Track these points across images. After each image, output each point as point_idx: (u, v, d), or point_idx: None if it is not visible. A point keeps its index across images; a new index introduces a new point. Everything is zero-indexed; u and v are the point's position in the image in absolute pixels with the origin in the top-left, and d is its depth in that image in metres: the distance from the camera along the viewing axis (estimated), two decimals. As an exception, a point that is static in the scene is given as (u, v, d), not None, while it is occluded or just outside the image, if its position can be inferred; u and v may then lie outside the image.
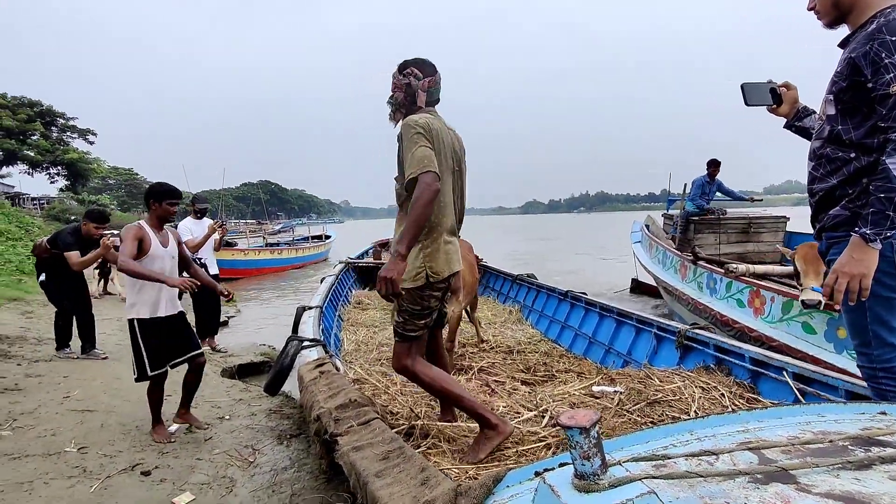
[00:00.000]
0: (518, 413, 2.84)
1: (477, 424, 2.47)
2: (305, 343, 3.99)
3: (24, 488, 2.99)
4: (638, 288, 11.45)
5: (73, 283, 5.62)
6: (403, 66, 2.49)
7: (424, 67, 2.43)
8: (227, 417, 4.26)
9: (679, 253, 7.59)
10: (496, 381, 3.82)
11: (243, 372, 5.94)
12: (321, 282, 8.47)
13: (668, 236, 9.35)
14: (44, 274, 5.67)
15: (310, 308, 5.87)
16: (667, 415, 2.87)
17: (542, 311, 7.34)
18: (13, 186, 35.18)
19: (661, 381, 3.40)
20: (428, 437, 2.40)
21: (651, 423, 2.71)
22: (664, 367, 3.84)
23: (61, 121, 34.29)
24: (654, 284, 9.96)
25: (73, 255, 5.17)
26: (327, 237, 25.21)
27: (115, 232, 5.72)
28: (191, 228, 6.32)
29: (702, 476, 1.11)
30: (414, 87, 2.40)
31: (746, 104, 2.22)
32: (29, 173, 33.53)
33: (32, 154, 32.21)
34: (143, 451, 3.58)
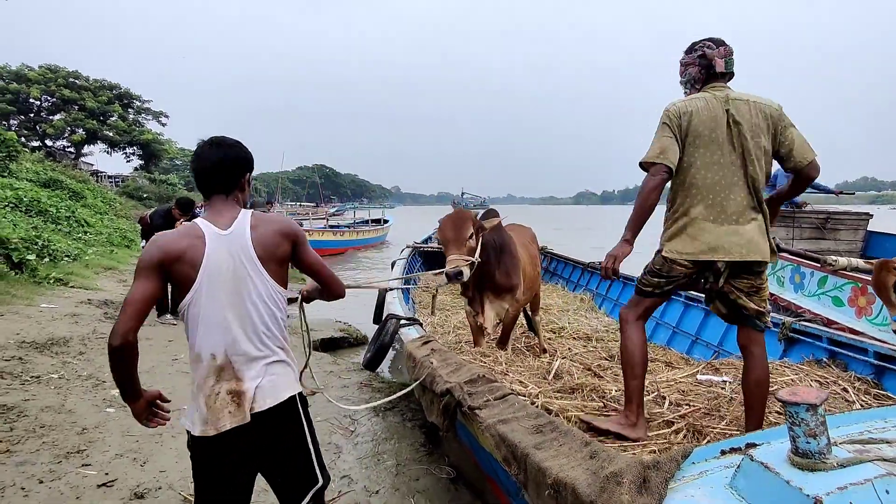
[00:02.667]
0: (630, 397, 2.84)
1: (601, 403, 2.48)
2: (403, 321, 4.08)
3: (155, 440, 3.23)
4: None
5: None
6: (691, 47, 2.46)
7: (715, 40, 2.42)
8: (322, 388, 4.43)
9: None
10: (598, 365, 3.80)
11: (326, 346, 6.16)
12: (392, 265, 8.65)
13: None
14: (144, 241, 6.31)
15: (390, 290, 6.02)
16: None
17: (618, 300, 7.23)
18: (93, 164, 37.42)
19: (771, 374, 3.30)
20: (550, 414, 2.43)
21: (778, 414, 2.64)
22: (770, 360, 3.72)
23: (137, 103, 35.98)
24: None
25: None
26: (385, 221, 25.59)
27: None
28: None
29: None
30: (709, 56, 2.36)
31: None
32: (108, 153, 35.57)
33: (111, 134, 34.02)
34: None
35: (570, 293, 8.35)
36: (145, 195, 28.61)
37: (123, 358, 1.48)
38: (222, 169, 1.70)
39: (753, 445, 1.36)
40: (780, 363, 3.54)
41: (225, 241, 1.61)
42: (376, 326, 5.25)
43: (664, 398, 2.80)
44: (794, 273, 5.96)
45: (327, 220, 23.34)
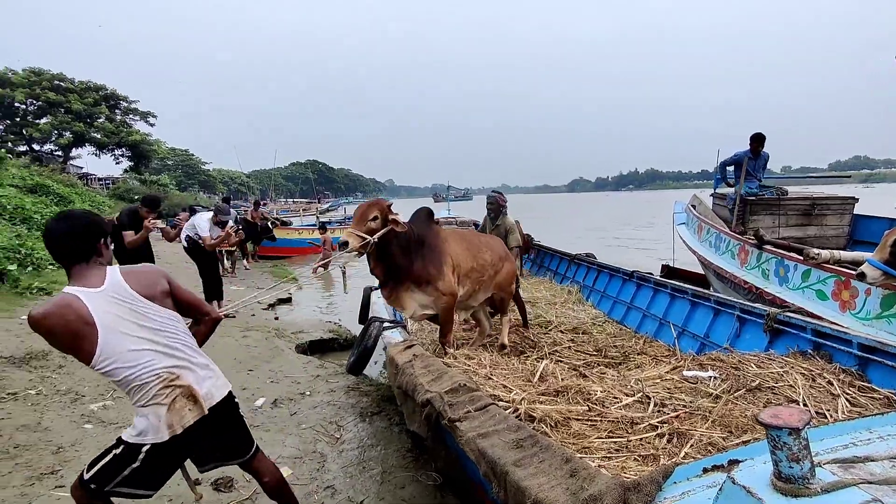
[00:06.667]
0: (617, 398, 2.78)
1: (586, 406, 2.46)
2: (386, 324, 4.02)
3: (133, 458, 3.15)
4: (671, 275, 9.89)
5: (136, 256, 6.23)
6: None
7: None
8: (308, 393, 4.37)
9: (738, 236, 7.10)
10: (585, 364, 3.76)
11: (314, 348, 6.09)
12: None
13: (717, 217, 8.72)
14: (113, 244, 6.22)
15: (376, 288, 5.95)
16: (774, 403, 2.75)
17: (605, 292, 7.19)
18: (82, 167, 37.00)
19: (757, 367, 3.26)
20: (534, 421, 2.38)
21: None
22: (755, 352, 3.69)
23: (124, 104, 35.55)
24: (691, 271, 9.38)
25: (128, 234, 5.95)
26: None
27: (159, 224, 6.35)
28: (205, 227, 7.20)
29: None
30: None
31: None
32: (96, 155, 35.04)
33: (99, 136, 33.61)
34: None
35: (557, 285, 8.31)
36: (137, 196, 28.30)
37: None
38: (73, 238, 1.83)
39: (736, 463, 1.30)
40: (766, 355, 3.51)
41: (102, 294, 1.79)
42: (362, 327, 5.20)
43: (649, 399, 2.75)
44: (779, 266, 5.88)
45: (318, 218, 23.17)
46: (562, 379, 3.10)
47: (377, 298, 5.41)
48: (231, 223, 7.68)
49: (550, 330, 5.58)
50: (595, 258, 8.29)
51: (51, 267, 8.32)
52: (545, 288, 8.05)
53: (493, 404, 2.14)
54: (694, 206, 9.75)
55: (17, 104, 31.64)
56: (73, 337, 1.73)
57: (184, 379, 1.91)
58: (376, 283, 6.22)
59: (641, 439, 2.24)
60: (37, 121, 32.54)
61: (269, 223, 15.44)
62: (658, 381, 3.18)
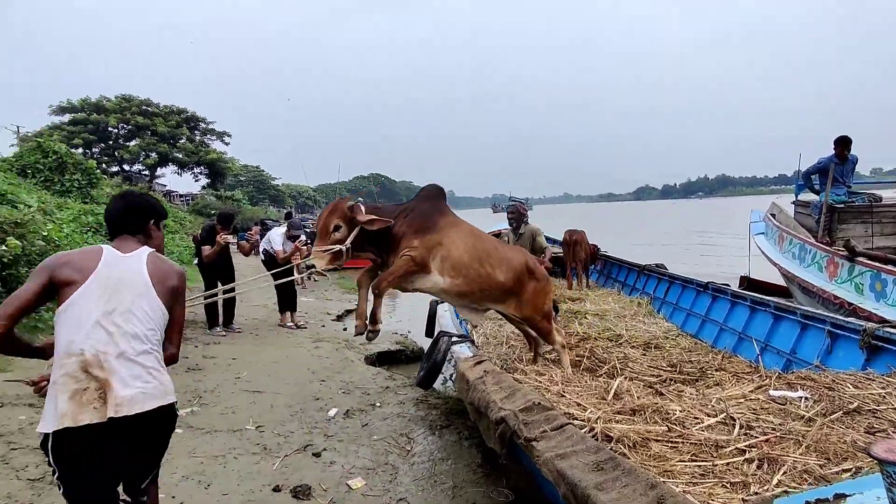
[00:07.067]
0: (697, 419, 2.66)
1: (665, 427, 2.36)
2: (455, 339, 4.05)
3: (218, 461, 3.32)
4: (752, 287, 8.94)
5: (222, 266, 6.78)
6: None
7: None
8: (379, 405, 4.45)
9: (825, 247, 6.59)
10: (660, 380, 3.63)
11: (382, 360, 6.21)
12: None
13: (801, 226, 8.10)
14: (196, 257, 7.01)
15: (442, 302, 6.00)
16: (876, 428, 2.54)
17: (677, 304, 6.91)
18: (165, 185, 40.05)
19: (854, 387, 3.03)
20: (611, 441, 2.31)
21: (868, 434, 2.41)
22: (850, 371, 3.43)
23: (203, 125, 38.25)
24: (773, 283, 8.78)
25: (205, 248, 6.51)
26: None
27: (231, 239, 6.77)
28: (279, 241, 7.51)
29: None
30: None
31: None
32: (178, 173, 38.04)
33: (181, 156, 36.28)
34: (310, 433, 3.83)
35: (625, 297, 8.07)
36: (213, 211, 30.13)
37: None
38: (127, 213, 1.96)
39: (843, 497, 1.22)
40: (864, 374, 3.25)
41: (121, 260, 1.82)
42: (429, 340, 5.25)
43: (734, 420, 2.61)
44: (875, 280, 5.41)
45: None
46: (637, 397, 3.01)
47: (443, 312, 5.46)
48: (302, 237, 8.01)
49: (621, 344, 5.43)
50: (666, 268, 8.00)
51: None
52: (613, 300, 7.85)
53: (570, 424, 2.10)
54: (773, 215, 9.20)
55: (110, 128, 34.56)
56: (76, 271, 1.72)
57: (106, 371, 1.64)
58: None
59: (728, 464, 2.12)
60: (127, 143, 35.40)
61: None
62: (742, 400, 3.02)
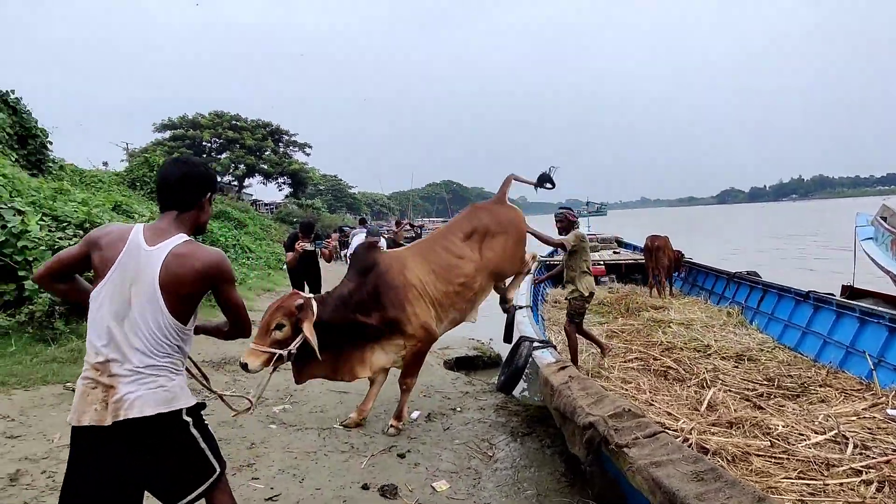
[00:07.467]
0: (803, 435, 2.50)
1: (767, 441, 2.24)
2: (536, 344, 4.03)
3: (311, 457, 3.49)
4: (856, 296, 8.39)
5: (303, 272, 7.13)
6: None
7: None
8: (459, 410, 4.50)
9: None
10: (756, 393, 3.43)
11: (460, 365, 6.27)
12: (519, 280, 8.61)
13: None
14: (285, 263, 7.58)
15: (521, 307, 5.97)
16: None
17: (773, 314, 6.51)
18: (252, 195, 42.94)
19: None
20: (707, 453, 2.22)
21: None
22: None
23: (286, 137, 40.98)
24: (883, 293, 7.97)
25: (289, 255, 6.97)
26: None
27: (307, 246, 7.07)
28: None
29: None
30: None
31: None
32: (263, 183, 41.17)
33: (266, 167, 39.04)
34: (394, 434, 3.94)
35: (713, 307, 7.69)
36: (295, 219, 31.76)
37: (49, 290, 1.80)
38: (184, 184, 1.73)
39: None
40: None
41: (142, 254, 1.63)
42: (507, 346, 5.24)
43: (846, 438, 2.43)
44: None
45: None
46: (734, 409, 2.86)
47: (522, 318, 5.44)
48: (382, 242, 8.27)
49: (709, 355, 5.19)
50: (759, 276, 7.55)
51: (251, 279, 9.58)
52: (700, 309, 7.53)
53: (664, 432, 2.05)
54: (884, 218, 8.42)
55: (204, 143, 37.58)
56: (102, 262, 1.63)
57: (113, 377, 1.59)
58: (521, 301, 6.27)
59: (842, 485, 1.99)
60: (219, 156, 38.33)
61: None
62: (854, 418, 2.81)
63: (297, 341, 3.23)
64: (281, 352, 3.17)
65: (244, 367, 3.11)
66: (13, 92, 10.85)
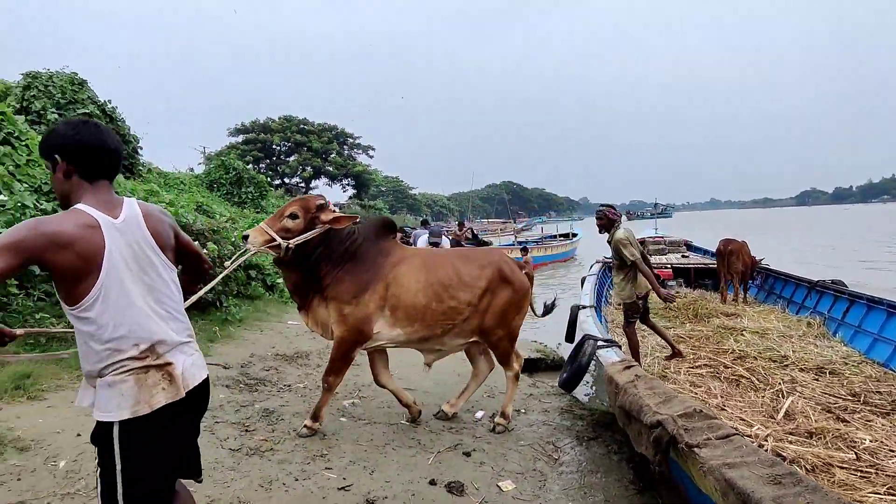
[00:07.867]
0: (894, 451, 2.37)
1: (852, 454, 2.15)
2: (600, 343, 4.01)
3: (379, 451, 3.61)
4: None
5: None
6: None
7: None
8: (524, 411, 4.52)
9: None
10: (840, 407, 3.27)
11: (524, 366, 6.26)
12: (582, 282, 8.49)
13: None
14: None
15: (584, 307, 5.93)
16: None
17: (860, 327, 6.11)
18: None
19: None
20: (784, 461, 2.16)
21: None
22: None
23: (350, 140, 42.47)
24: None
25: None
26: (574, 235, 25.11)
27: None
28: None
29: None
30: None
31: None
32: (329, 185, 43.05)
33: (331, 169, 40.65)
34: (459, 433, 4.01)
35: (791, 316, 7.31)
36: (358, 220, 32.77)
37: None
38: (119, 153, 1.62)
39: None
40: None
41: (119, 230, 1.54)
42: (569, 345, 5.22)
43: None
44: None
45: (516, 236, 23.76)
46: (814, 420, 2.74)
47: (585, 317, 5.40)
48: (445, 242, 8.42)
49: (786, 366, 4.96)
50: (845, 286, 7.11)
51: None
52: (776, 318, 7.20)
53: (737, 434, 2.01)
54: None
55: (274, 146, 39.46)
56: (80, 269, 1.46)
57: (163, 350, 1.60)
58: (585, 301, 6.20)
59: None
60: (287, 158, 40.14)
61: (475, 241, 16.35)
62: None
63: (303, 237, 3.23)
64: (283, 242, 3.18)
65: (244, 237, 3.23)
66: (110, 102, 11.88)
